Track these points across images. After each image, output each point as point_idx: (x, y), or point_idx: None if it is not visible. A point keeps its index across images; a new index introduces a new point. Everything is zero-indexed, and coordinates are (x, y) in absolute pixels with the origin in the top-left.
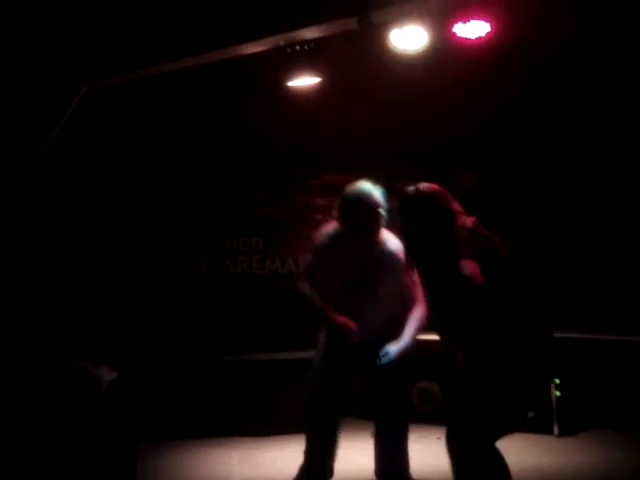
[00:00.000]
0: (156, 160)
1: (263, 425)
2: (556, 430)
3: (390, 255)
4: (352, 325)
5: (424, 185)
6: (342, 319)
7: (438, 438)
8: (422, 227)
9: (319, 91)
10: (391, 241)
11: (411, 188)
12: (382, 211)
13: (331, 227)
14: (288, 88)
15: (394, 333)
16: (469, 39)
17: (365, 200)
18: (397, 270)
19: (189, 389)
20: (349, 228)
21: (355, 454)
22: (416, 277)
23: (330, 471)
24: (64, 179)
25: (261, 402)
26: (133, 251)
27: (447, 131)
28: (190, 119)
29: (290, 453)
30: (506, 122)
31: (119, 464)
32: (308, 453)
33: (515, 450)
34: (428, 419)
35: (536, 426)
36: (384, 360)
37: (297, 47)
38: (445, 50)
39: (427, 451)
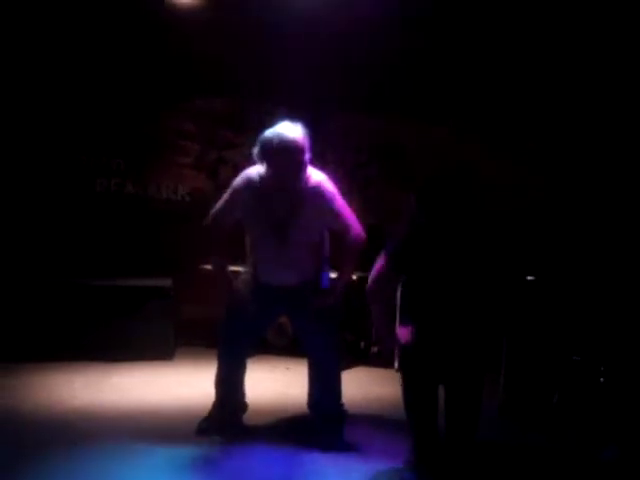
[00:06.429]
0: (18, 68)
1: (109, 351)
2: (396, 365)
3: (317, 189)
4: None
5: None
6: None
7: (287, 368)
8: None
9: (193, 12)
10: (316, 175)
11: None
12: (306, 153)
13: (253, 170)
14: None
15: (322, 275)
16: None
17: (288, 145)
18: (325, 202)
19: (36, 311)
20: (272, 174)
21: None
22: (347, 208)
23: (244, 405)
24: None
25: (110, 328)
26: None
27: (326, 67)
28: (60, 31)
29: (135, 379)
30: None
31: None
32: (223, 387)
33: (360, 382)
34: (279, 351)
35: (381, 362)
36: (318, 304)
37: None
38: None
39: (277, 379)
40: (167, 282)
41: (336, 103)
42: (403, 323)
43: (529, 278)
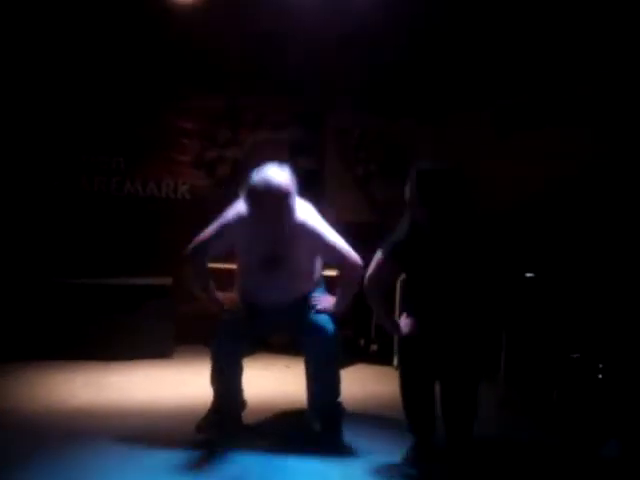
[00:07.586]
0: (17, 67)
1: (108, 350)
2: (395, 362)
3: (302, 228)
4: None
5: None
6: (223, 300)
7: (287, 366)
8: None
9: (192, 10)
10: (301, 212)
11: (427, 165)
12: (292, 198)
13: (242, 207)
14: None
15: (311, 291)
16: None
17: (274, 191)
18: (313, 239)
19: (36, 310)
20: (258, 215)
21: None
22: (339, 239)
23: (243, 403)
24: None
25: (110, 327)
26: None
27: (327, 65)
28: (59, 29)
29: (135, 378)
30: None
31: None
32: (220, 386)
33: (359, 379)
34: (278, 349)
35: (379, 359)
36: (318, 307)
37: None
38: None
39: (277, 377)
40: (167, 281)
41: (335, 100)
42: (406, 313)
43: (528, 275)
